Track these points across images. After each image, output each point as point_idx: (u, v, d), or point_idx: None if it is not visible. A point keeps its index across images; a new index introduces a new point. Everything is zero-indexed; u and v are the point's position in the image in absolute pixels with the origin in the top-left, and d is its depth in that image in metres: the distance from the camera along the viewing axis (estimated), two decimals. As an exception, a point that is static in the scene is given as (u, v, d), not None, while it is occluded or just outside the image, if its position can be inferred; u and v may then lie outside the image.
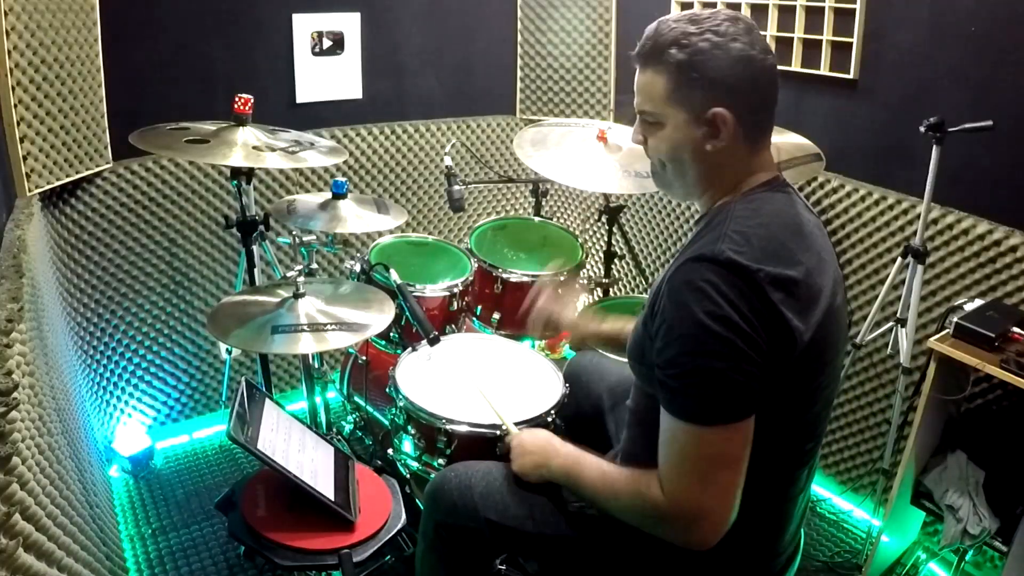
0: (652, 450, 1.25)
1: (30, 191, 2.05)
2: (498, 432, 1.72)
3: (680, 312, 1.09)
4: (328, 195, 2.26)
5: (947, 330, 1.89)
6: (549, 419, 1.78)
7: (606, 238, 2.71)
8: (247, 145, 1.99)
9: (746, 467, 1.12)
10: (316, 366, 2.09)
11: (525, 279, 2.38)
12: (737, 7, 2.62)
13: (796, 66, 2.49)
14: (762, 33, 2.62)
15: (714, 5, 2.69)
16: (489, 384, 1.85)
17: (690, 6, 2.77)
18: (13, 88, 1.94)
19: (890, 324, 2.23)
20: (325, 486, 1.52)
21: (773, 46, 2.53)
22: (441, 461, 1.77)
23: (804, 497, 1.34)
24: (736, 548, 1.17)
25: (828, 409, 1.29)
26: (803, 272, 1.12)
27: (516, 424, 1.69)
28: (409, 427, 1.83)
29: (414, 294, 2.13)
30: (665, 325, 1.11)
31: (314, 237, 2.18)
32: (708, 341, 1.07)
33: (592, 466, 1.30)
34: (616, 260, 2.76)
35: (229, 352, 2.59)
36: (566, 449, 1.38)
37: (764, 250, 1.11)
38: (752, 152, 1.22)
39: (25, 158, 2.02)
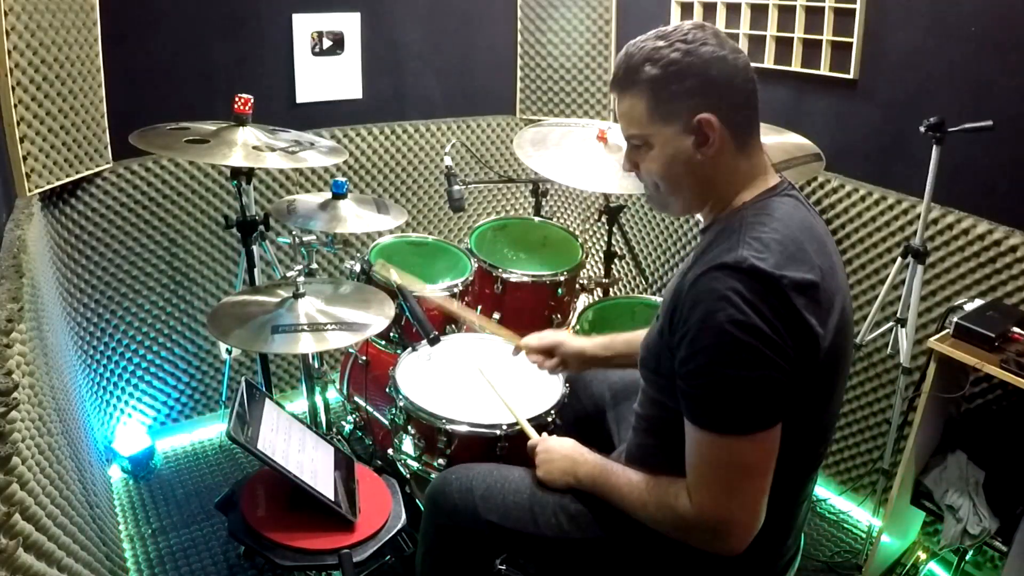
0: (660, 456, 1.26)
1: (30, 191, 2.05)
2: (499, 432, 1.72)
3: (705, 322, 1.08)
4: (328, 195, 2.26)
5: (947, 330, 1.89)
6: (549, 419, 1.78)
7: (606, 238, 2.71)
8: (247, 145, 1.99)
9: (772, 473, 1.11)
10: (316, 366, 2.09)
11: (525, 279, 2.38)
12: (737, 7, 2.62)
13: (796, 66, 2.49)
14: (763, 33, 2.62)
15: (713, 6, 2.69)
16: (489, 383, 1.85)
17: (690, 6, 2.77)
18: (13, 88, 1.94)
19: (890, 324, 2.23)
20: (325, 486, 1.52)
21: (773, 46, 2.55)
22: (441, 461, 1.77)
23: (808, 502, 1.35)
24: (745, 551, 1.17)
25: (837, 413, 1.30)
26: (819, 275, 1.12)
27: (513, 425, 1.69)
28: (409, 427, 1.83)
29: (414, 294, 2.13)
30: (689, 336, 1.10)
31: (314, 237, 2.18)
32: (735, 351, 1.06)
33: (619, 475, 1.30)
34: (616, 260, 2.76)
35: (229, 352, 2.59)
36: (593, 457, 1.39)
37: (783, 254, 1.10)
38: (743, 155, 1.21)
39: (25, 158, 2.02)
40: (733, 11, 2.65)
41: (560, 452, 1.43)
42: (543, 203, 2.84)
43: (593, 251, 3.51)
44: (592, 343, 1.70)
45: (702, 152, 1.18)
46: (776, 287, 1.07)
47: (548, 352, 1.72)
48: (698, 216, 1.32)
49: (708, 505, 1.12)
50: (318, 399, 2.13)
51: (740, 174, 1.22)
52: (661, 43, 1.16)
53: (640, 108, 1.19)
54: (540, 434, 1.58)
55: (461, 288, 2.33)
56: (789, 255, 1.11)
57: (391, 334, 2.26)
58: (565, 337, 1.72)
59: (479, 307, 2.44)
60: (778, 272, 1.07)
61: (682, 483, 1.17)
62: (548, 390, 1.87)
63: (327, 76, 2.86)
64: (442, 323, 2.33)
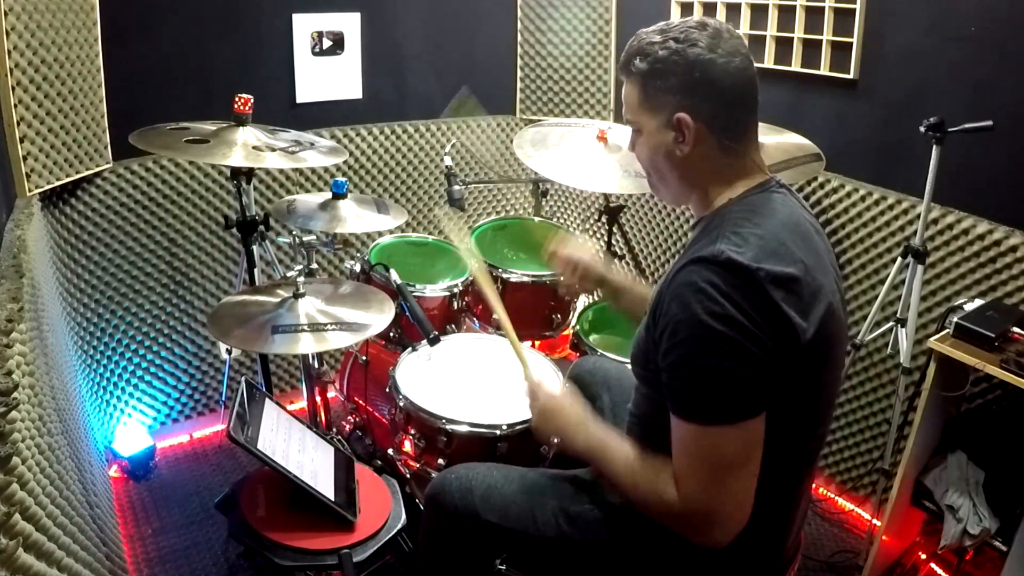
0: (653, 452, 1.26)
1: (30, 191, 2.05)
2: (499, 432, 1.72)
3: (683, 314, 1.10)
4: (328, 195, 2.26)
5: (947, 330, 1.89)
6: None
7: (606, 238, 2.71)
8: (247, 145, 1.99)
9: (758, 466, 1.12)
10: (316, 366, 2.09)
11: (525, 279, 2.38)
12: (737, 7, 2.62)
13: (796, 66, 2.49)
14: (763, 33, 2.61)
15: (713, 6, 2.69)
16: (489, 384, 1.85)
17: (690, 6, 2.77)
18: (13, 88, 1.94)
19: (890, 324, 2.23)
20: (325, 486, 1.52)
21: (773, 46, 2.55)
22: (441, 461, 1.77)
23: (806, 498, 1.35)
24: (743, 549, 1.17)
25: (831, 409, 1.29)
26: (802, 270, 1.13)
27: (513, 425, 1.69)
28: (409, 427, 1.83)
29: (414, 294, 2.13)
30: (669, 328, 1.12)
31: (314, 237, 2.18)
32: (713, 341, 1.07)
33: (618, 453, 1.27)
34: (616, 260, 2.76)
35: (229, 352, 2.59)
36: (595, 426, 1.35)
37: (763, 249, 1.11)
38: (732, 153, 1.23)
39: (25, 158, 2.02)
40: (733, 11, 2.65)
41: (565, 414, 1.38)
42: (543, 203, 2.84)
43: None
44: (615, 276, 1.65)
45: (679, 148, 1.22)
46: (752, 279, 1.08)
47: (574, 265, 1.66)
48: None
49: (694, 496, 1.12)
50: (318, 399, 2.13)
51: (726, 173, 1.24)
52: (656, 38, 1.21)
53: (633, 97, 1.26)
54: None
55: (461, 288, 2.33)
56: (770, 250, 1.12)
57: (391, 334, 2.26)
58: (591, 260, 1.67)
59: (479, 307, 2.44)
60: (755, 265, 1.08)
61: (671, 470, 1.16)
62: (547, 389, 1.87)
63: (327, 76, 2.86)
64: (442, 323, 2.33)
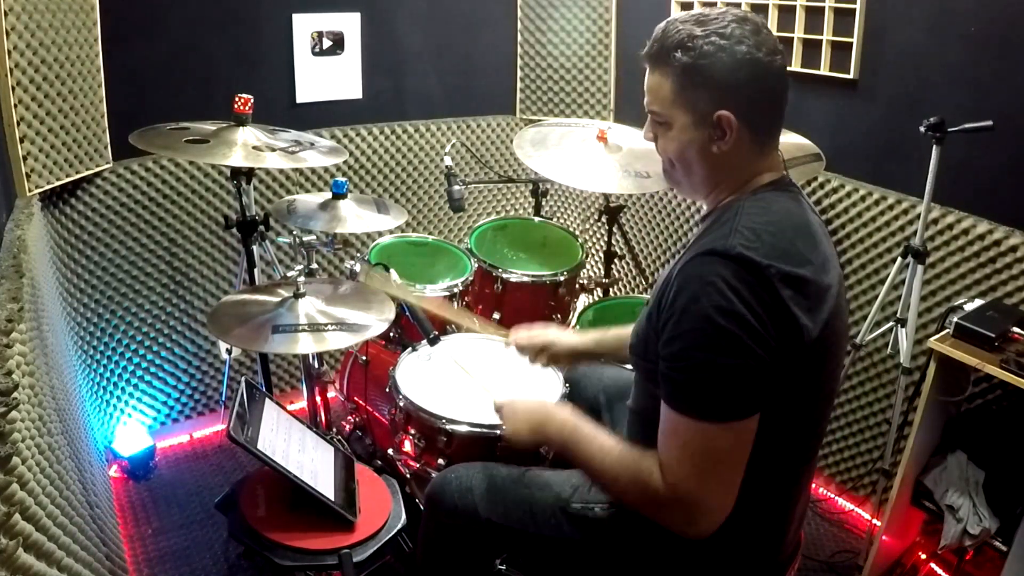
0: (653, 448, 1.26)
1: (30, 191, 2.05)
2: (499, 432, 1.72)
3: (690, 306, 1.09)
4: (328, 195, 2.26)
5: (947, 330, 1.89)
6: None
7: (606, 238, 2.71)
8: (247, 145, 1.99)
9: (746, 463, 1.12)
10: (316, 366, 2.09)
11: (525, 279, 2.38)
12: (737, 7, 2.61)
13: (796, 66, 2.49)
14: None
15: (713, 5, 2.69)
16: (489, 384, 1.85)
17: (690, 6, 2.77)
18: (13, 88, 1.94)
19: (890, 324, 2.23)
20: (325, 486, 1.52)
21: (773, 46, 2.54)
22: (441, 461, 1.77)
23: (805, 495, 1.34)
24: (740, 546, 1.17)
25: (829, 407, 1.30)
26: (811, 271, 1.13)
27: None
28: (409, 427, 1.83)
29: (414, 294, 2.13)
30: (674, 319, 1.11)
31: (314, 237, 2.18)
32: (717, 337, 1.07)
33: (591, 439, 1.27)
34: (616, 260, 2.76)
35: (229, 352, 2.59)
36: (564, 414, 1.35)
37: (774, 247, 1.11)
38: (760, 152, 1.22)
39: (25, 158, 2.02)
40: (733, 11, 2.64)
41: (528, 407, 1.42)
42: (543, 203, 2.84)
43: (593, 251, 3.51)
44: (582, 339, 1.71)
45: (717, 145, 1.19)
46: (763, 276, 1.08)
47: (539, 350, 1.72)
48: (702, 206, 1.32)
49: (680, 486, 1.12)
50: (318, 399, 2.13)
51: (751, 169, 1.23)
52: (698, 30, 1.15)
53: (665, 89, 1.19)
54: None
55: (461, 288, 2.33)
56: (781, 249, 1.11)
57: (391, 334, 2.26)
58: (555, 336, 1.72)
59: (479, 307, 2.44)
60: (766, 262, 1.08)
61: (655, 459, 1.15)
62: (547, 391, 1.87)
63: (327, 76, 2.86)
64: (442, 323, 2.33)
